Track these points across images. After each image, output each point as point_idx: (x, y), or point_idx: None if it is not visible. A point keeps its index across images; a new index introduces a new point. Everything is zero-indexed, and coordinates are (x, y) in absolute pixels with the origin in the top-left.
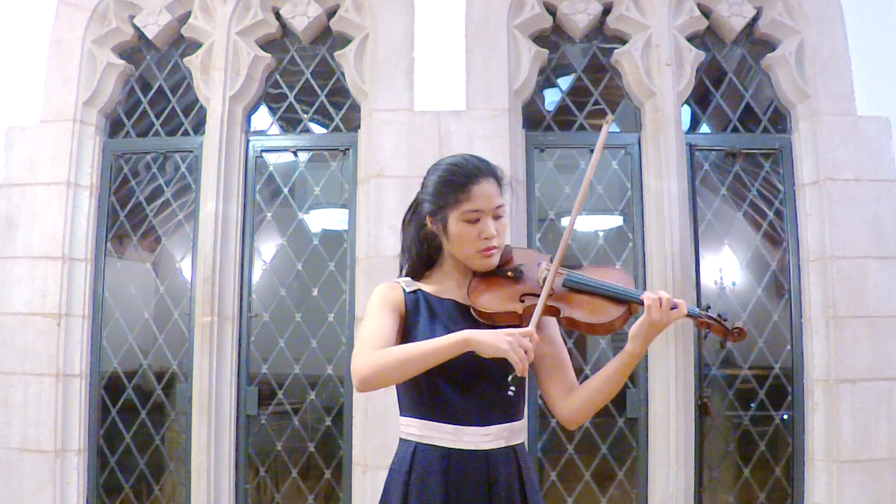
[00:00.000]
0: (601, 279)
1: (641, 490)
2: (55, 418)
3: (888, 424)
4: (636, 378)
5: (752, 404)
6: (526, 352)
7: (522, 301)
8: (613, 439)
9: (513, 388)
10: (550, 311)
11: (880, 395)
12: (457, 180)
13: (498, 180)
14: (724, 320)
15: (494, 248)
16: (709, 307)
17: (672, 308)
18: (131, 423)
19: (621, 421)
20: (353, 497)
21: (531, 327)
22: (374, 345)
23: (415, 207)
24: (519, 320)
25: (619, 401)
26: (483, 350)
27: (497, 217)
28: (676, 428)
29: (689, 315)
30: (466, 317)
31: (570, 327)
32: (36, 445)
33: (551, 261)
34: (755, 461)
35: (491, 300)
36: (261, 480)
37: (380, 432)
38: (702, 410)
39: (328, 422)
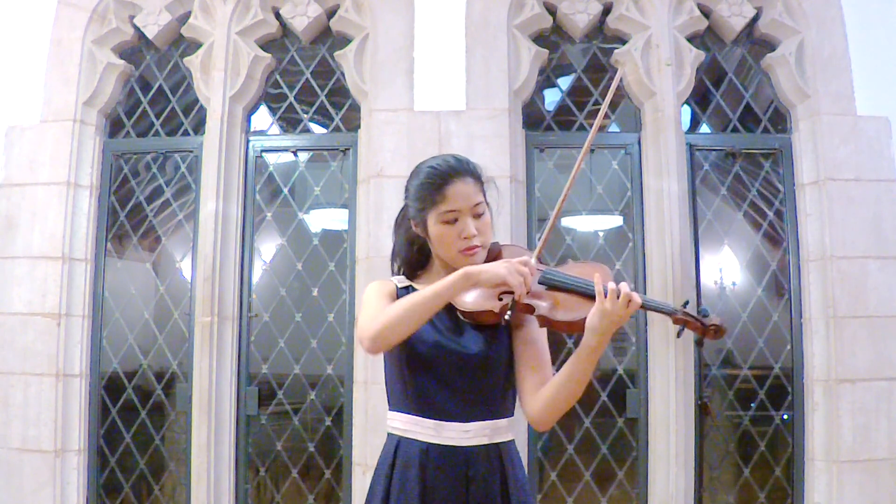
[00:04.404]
0: (576, 275)
1: (641, 490)
2: (55, 418)
3: (888, 424)
4: (636, 378)
5: (752, 404)
6: (524, 278)
7: (501, 299)
8: (613, 439)
9: (510, 312)
10: (526, 308)
11: (880, 395)
12: (432, 182)
13: (476, 178)
14: (705, 317)
15: (476, 247)
16: (686, 303)
17: (628, 302)
18: (131, 423)
19: (621, 421)
20: (353, 497)
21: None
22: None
23: (403, 211)
24: (497, 318)
25: (619, 401)
26: (483, 280)
27: (478, 215)
28: (676, 428)
29: (664, 312)
30: (453, 313)
31: (545, 325)
32: (36, 445)
33: (537, 259)
34: (755, 461)
35: (471, 298)
36: (261, 480)
37: (380, 432)
38: (702, 410)
39: (328, 422)
